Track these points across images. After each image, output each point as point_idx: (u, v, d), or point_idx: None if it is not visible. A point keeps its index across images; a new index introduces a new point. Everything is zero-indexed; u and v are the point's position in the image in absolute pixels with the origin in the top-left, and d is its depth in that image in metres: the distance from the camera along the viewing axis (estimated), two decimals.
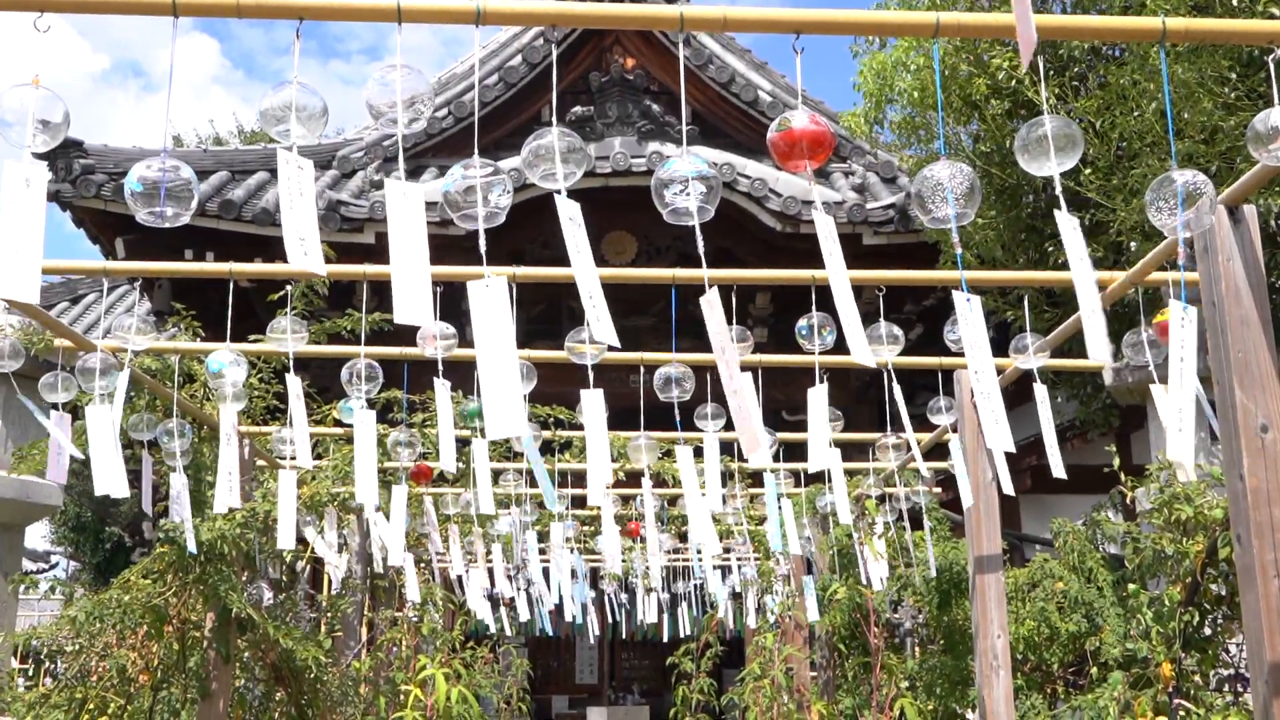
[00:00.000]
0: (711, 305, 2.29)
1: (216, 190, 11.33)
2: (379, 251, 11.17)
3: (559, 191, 2.14)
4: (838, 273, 2.38)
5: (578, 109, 12.49)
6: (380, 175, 12.20)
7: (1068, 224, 2.35)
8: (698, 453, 4.77)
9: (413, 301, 2.12)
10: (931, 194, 2.27)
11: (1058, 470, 3.68)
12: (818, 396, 3.47)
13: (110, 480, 3.88)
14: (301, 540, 6.12)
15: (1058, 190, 2.26)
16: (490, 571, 8.17)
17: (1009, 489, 3.86)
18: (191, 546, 4.51)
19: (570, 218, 2.15)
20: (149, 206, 2.18)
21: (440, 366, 3.77)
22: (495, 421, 2.14)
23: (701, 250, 2.14)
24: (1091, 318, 2.34)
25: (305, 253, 2.16)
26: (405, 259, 2.13)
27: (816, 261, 4.19)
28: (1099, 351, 2.34)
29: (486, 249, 2.20)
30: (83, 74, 79.74)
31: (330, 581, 6.85)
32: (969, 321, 2.71)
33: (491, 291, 2.19)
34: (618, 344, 2.25)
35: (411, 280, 2.12)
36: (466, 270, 4.28)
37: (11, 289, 2.18)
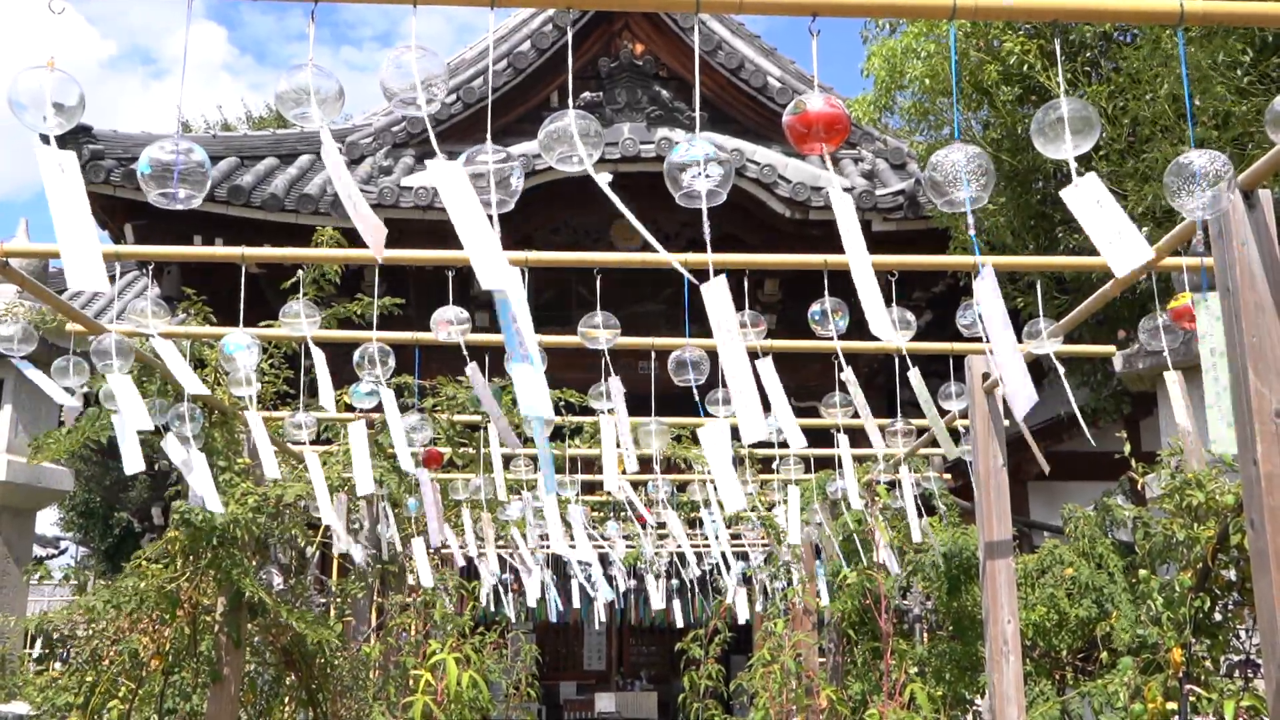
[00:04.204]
0: (715, 292, 2.29)
1: (225, 176, 11.33)
2: (389, 237, 11.15)
3: (576, 162, 2.14)
4: (856, 250, 2.37)
5: (586, 94, 12.46)
6: (389, 161, 12.19)
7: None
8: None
9: (492, 269, 2.11)
10: (946, 178, 2.26)
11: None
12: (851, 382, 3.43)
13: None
14: (311, 526, 6.14)
15: (1076, 169, 2.25)
16: (500, 557, 8.19)
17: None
18: (218, 507, 4.52)
19: (608, 185, 2.17)
20: (162, 188, 2.17)
21: (465, 350, 3.77)
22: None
23: (708, 234, 2.13)
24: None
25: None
26: (469, 228, 2.11)
27: (826, 247, 4.21)
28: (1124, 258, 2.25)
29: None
30: (90, 60, 79.81)
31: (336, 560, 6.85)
32: (985, 300, 2.69)
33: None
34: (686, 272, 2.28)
35: (484, 249, 2.10)
36: None
37: (82, 279, 2.19)
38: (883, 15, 8.62)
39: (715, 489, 7.08)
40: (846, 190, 11.41)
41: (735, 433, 4.74)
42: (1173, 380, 3.51)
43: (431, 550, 6.79)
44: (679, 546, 8.05)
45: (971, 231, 2.46)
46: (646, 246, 2.40)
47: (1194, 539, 4.57)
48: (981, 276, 2.76)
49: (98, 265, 2.23)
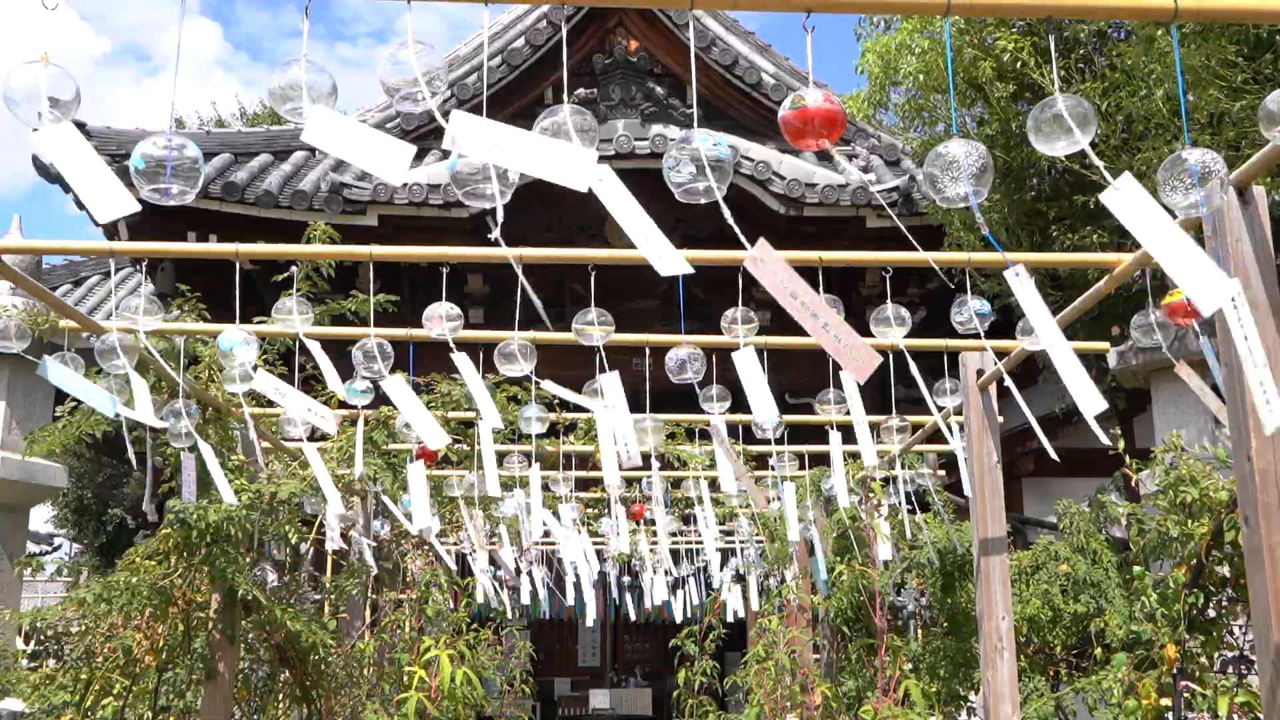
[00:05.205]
0: (765, 260, 2.28)
1: (219, 173, 11.31)
2: (382, 234, 11.15)
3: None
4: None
5: (581, 91, 12.45)
6: None
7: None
8: (703, 435, 4.78)
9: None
10: (944, 173, 2.26)
11: (1098, 430, 3.68)
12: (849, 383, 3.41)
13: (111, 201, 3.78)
14: (304, 522, 6.13)
15: (1096, 161, 2.24)
16: (492, 554, 8.18)
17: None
18: (230, 498, 4.53)
19: (600, 179, 2.16)
20: (154, 184, 2.16)
21: (451, 344, 3.76)
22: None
23: (732, 221, 2.13)
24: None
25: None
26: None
27: (820, 245, 4.21)
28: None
29: (487, 234, 2.20)
30: (84, 57, 79.63)
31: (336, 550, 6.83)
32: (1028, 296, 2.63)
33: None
34: (691, 270, 2.28)
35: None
36: (474, 252, 4.28)
37: (108, 210, 2.21)
38: (877, 11, 8.60)
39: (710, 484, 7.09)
40: (841, 186, 11.40)
41: (731, 430, 4.75)
42: (1187, 372, 3.52)
43: (416, 536, 6.77)
44: (673, 542, 8.06)
45: (985, 230, 2.45)
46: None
47: (1188, 535, 4.57)
48: (1017, 275, 2.74)
49: (118, 192, 2.25)
